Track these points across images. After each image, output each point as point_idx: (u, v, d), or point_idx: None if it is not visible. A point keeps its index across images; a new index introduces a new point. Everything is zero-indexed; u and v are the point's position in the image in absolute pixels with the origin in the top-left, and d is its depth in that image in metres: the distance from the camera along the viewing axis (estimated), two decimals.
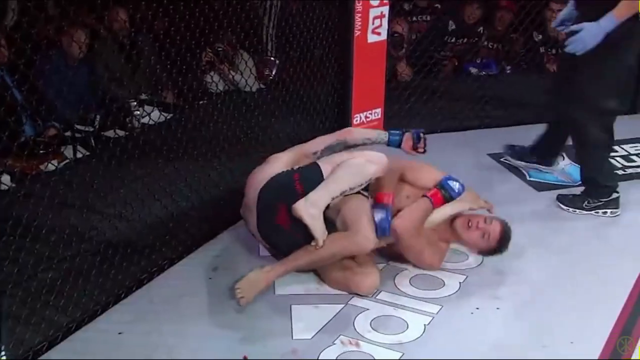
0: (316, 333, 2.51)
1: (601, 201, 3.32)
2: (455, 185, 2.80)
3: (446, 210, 2.85)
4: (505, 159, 3.82)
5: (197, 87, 3.61)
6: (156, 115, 3.32)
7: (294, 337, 2.49)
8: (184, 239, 2.99)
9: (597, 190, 3.33)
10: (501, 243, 2.82)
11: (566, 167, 3.81)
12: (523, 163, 3.74)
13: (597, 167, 3.31)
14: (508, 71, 5.02)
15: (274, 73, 4.62)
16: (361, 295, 2.70)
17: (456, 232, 2.84)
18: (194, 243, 3.01)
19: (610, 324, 2.54)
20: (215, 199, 3.22)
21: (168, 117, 3.44)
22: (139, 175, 2.94)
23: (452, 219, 2.86)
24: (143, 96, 3.79)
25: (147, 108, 3.55)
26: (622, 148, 4.04)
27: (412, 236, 2.77)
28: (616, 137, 4.12)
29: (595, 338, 2.47)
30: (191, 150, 3.20)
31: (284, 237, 2.71)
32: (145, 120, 3.45)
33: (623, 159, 3.92)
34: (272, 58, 4.71)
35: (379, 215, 2.69)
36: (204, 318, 2.59)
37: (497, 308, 2.65)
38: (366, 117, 3.96)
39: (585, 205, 3.33)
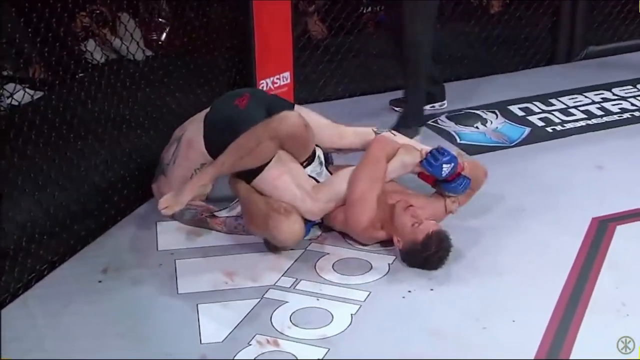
0: (228, 334, 2.50)
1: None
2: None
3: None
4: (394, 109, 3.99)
5: (70, 58, 3.49)
6: (20, 95, 3.19)
7: (202, 342, 2.48)
8: (65, 238, 2.92)
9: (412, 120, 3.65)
10: (427, 242, 2.73)
11: (500, 126, 3.92)
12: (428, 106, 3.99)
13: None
14: None
15: (163, 38, 4.53)
16: (277, 249, 2.85)
17: (394, 212, 2.84)
18: (78, 242, 2.95)
19: (554, 298, 2.63)
20: (101, 189, 3.15)
21: (36, 96, 3.31)
22: (2, 167, 2.83)
23: (393, 203, 2.87)
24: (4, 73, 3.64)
25: (10, 87, 3.41)
26: (560, 101, 4.18)
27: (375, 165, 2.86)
28: (552, 89, 4.31)
29: (539, 316, 2.55)
30: (67, 134, 3.11)
31: (231, 120, 2.91)
32: (8, 101, 3.32)
33: (561, 113, 4.05)
34: (160, 20, 4.62)
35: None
36: (95, 330, 2.54)
37: (431, 289, 2.70)
38: (273, 82, 3.94)
39: None
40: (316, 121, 3.04)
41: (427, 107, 4.01)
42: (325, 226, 3.02)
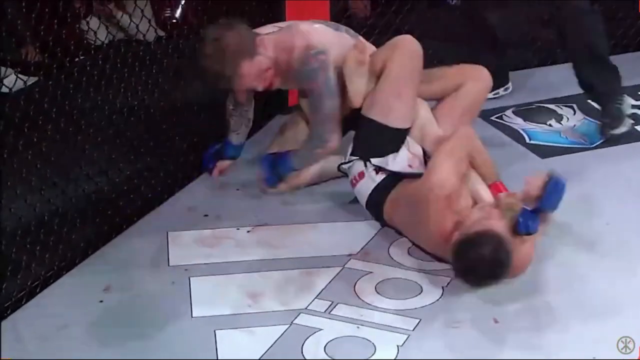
0: None
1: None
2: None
3: None
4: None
5: (70, 38, 3.54)
6: (12, 80, 3.24)
7: None
8: (62, 250, 2.95)
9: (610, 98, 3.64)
10: (481, 239, 2.67)
11: (578, 124, 3.89)
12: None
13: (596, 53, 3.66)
14: None
15: (177, 15, 4.58)
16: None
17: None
18: (75, 254, 2.98)
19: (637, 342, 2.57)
20: (103, 192, 3.19)
21: (30, 82, 3.36)
22: None
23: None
24: None
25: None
26: None
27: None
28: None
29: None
30: (65, 127, 3.15)
31: None
32: None
33: None
34: None
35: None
36: (94, 357, 2.55)
37: (495, 321, 2.69)
38: None
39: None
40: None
41: (490, 94, 3.99)
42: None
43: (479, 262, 2.68)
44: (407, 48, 3.18)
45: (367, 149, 3.14)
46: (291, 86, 3.37)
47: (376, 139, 3.13)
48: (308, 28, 3.19)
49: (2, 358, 2.35)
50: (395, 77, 3.14)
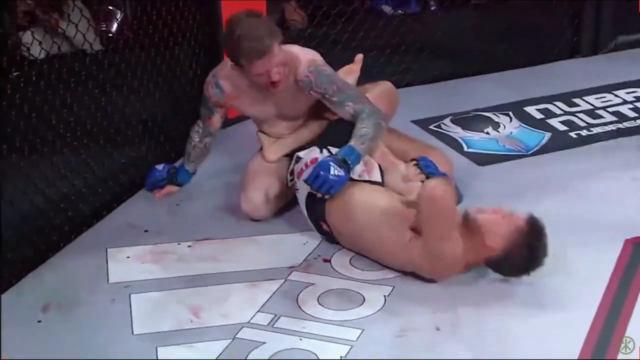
0: None
1: None
2: None
3: None
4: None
5: (2, 53, 3.49)
6: None
7: None
8: None
9: None
10: (532, 227, 2.78)
11: (515, 131, 3.95)
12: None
13: None
14: (433, 8, 5.12)
15: (113, 29, 4.55)
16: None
17: (468, 220, 2.82)
18: (11, 274, 2.94)
19: (583, 334, 2.64)
20: (40, 210, 3.15)
21: None
22: None
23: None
24: None
25: None
26: (585, 101, 4.22)
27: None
28: (576, 87, 4.34)
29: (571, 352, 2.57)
30: None
31: None
32: None
33: (587, 115, 4.09)
34: (110, 7, 4.64)
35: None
36: None
37: (437, 328, 2.71)
38: None
39: None
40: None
41: None
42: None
43: (541, 249, 2.81)
44: (388, 85, 3.42)
45: (327, 139, 3.19)
46: (288, 93, 3.19)
47: (340, 135, 3.14)
48: (298, 48, 3.22)
49: (2, 358, 2.39)
50: (377, 93, 3.29)
